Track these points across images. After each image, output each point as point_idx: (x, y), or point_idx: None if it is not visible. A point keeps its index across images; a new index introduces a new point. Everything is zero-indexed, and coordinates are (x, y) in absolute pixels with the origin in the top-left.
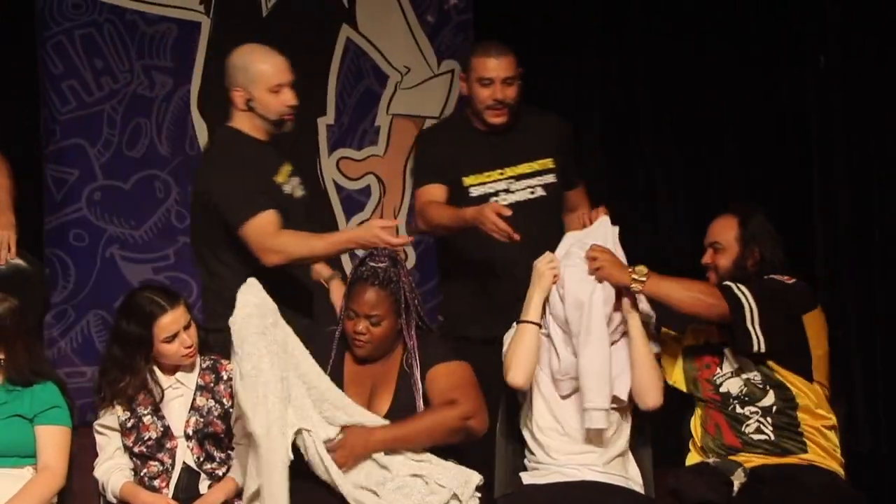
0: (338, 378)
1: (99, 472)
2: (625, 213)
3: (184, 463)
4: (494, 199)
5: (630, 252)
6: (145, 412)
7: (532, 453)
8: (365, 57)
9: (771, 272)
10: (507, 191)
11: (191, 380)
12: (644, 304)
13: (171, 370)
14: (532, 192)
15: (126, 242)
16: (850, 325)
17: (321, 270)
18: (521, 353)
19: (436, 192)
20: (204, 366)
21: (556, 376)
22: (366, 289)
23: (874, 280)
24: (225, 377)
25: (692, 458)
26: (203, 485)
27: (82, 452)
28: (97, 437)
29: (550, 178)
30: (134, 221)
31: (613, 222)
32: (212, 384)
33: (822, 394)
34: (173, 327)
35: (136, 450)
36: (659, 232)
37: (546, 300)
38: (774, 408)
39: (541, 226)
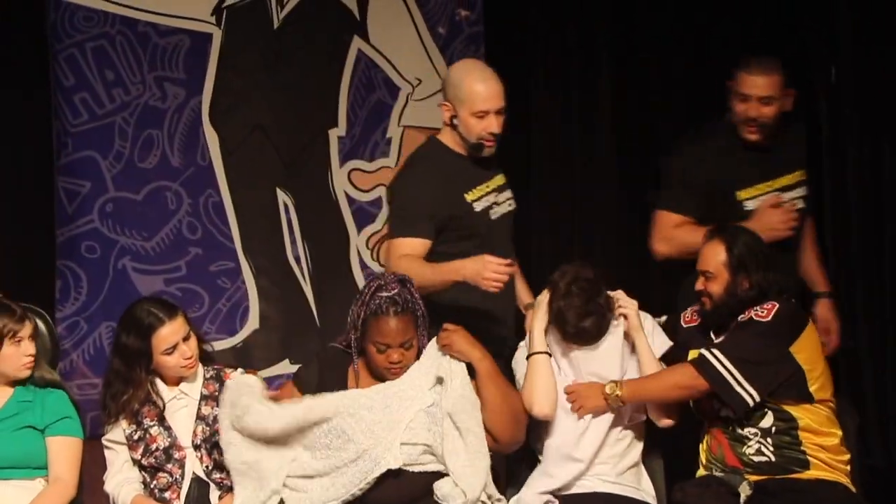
0: None
1: (109, 487)
2: (635, 224)
3: (193, 473)
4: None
5: (645, 263)
6: (151, 424)
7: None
8: (376, 68)
9: (764, 297)
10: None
11: (194, 389)
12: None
13: (174, 381)
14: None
15: (138, 254)
16: (861, 339)
17: (522, 297)
18: (539, 383)
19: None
20: (207, 375)
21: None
22: (388, 320)
23: (886, 293)
24: None
25: (701, 474)
26: (213, 495)
27: (94, 466)
28: (105, 451)
29: (803, 191)
30: (146, 233)
31: (623, 233)
32: (216, 393)
33: (824, 412)
34: (172, 339)
35: (144, 462)
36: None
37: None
38: (774, 429)
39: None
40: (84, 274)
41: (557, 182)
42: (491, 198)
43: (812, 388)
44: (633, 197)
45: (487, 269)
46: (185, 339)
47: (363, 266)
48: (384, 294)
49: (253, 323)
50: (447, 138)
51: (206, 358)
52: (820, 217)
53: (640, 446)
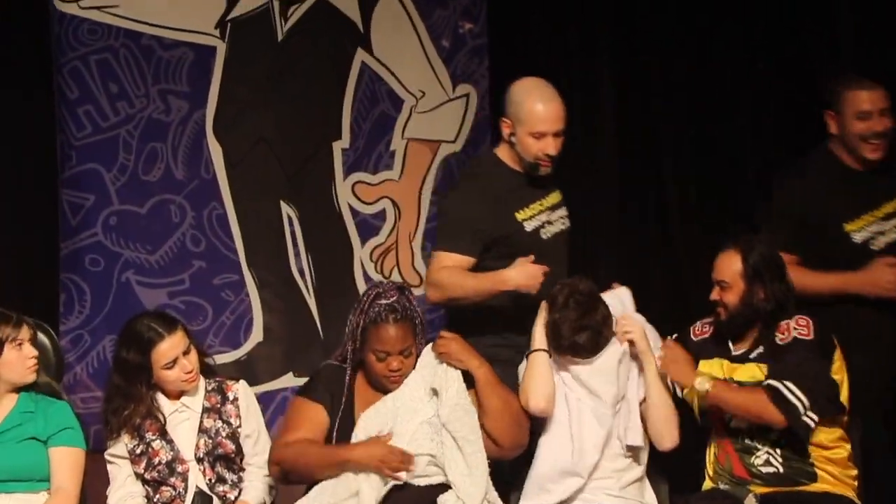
0: (350, 410)
1: (112, 501)
2: (636, 228)
3: (196, 487)
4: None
5: (644, 273)
6: (154, 437)
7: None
8: (380, 81)
9: (780, 308)
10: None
11: (196, 402)
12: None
13: (176, 395)
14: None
15: (142, 267)
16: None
17: None
18: (536, 378)
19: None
20: (209, 388)
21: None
22: (388, 327)
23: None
24: (231, 397)
25: (707, 486)
26: None
27: (97, 480)
28: (108, 466)
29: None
30: (150, 246)
31: (627, 244)
32: (218, 405)
33: (836, 427)
34: (172, 353)
35: (147, 476)
36: (673, 247)
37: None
38: (784, 440)
39: None
40: (88, 287)
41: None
42: (543, 217)
43: (843, 399)
44: (636, 199)
45: (534, 276)
46: (186, 353)
47: (367, 278)
48: (383, 302)
49: (257, 336)
50: (504, 154)
51: (207, 371)
52: None
53: (644, 460)
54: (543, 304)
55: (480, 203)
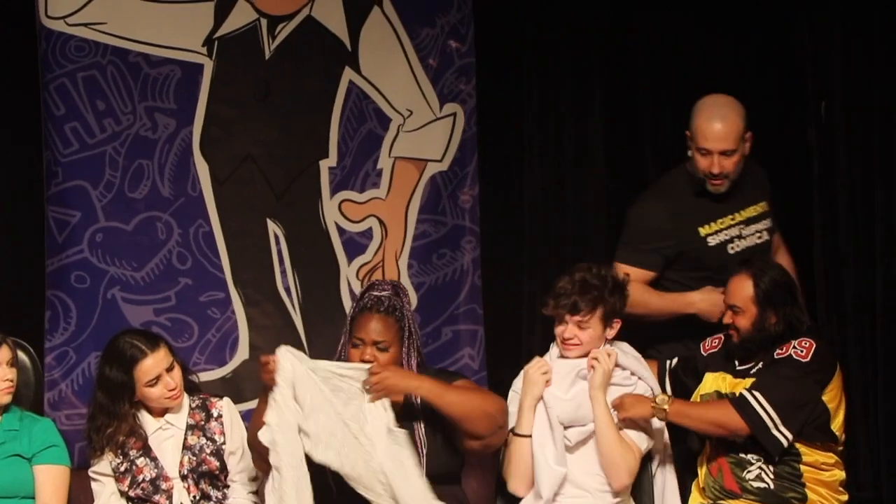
0: None
1: None
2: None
3: None
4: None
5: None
6: (138, 455)
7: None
8: (367, 100)
9: (792, 332)
10: (739, 237)
11: (180, 420)
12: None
13: (160, 412)
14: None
15: (127, 284)
16: (852, 368)
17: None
18: (519, 465)
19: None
20: (193, 405)
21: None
22: (371, 317)
23: (877, 327)
24: (215, 414)
25: (694, 499)
26: None
27: (82, 496)
28: (92, 483)
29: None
30: (136, 263)
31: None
32: (202, 422)
33: (832, 452)
34: (154, 371)
35: (132, 494)
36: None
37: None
38: (778, 457)
39: None
40: (73, 304)
41: (549, 203)
42: (733, 231)
43: (833, 428)
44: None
45: (718, 305)
46: (169, 370)
47: (353, 296)
48: (374, 293)
49: (242, 353)
50: (693, 167)
51: (191, 388)
52: (810, 251)
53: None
54: (535, 380)
55: (663, 220)
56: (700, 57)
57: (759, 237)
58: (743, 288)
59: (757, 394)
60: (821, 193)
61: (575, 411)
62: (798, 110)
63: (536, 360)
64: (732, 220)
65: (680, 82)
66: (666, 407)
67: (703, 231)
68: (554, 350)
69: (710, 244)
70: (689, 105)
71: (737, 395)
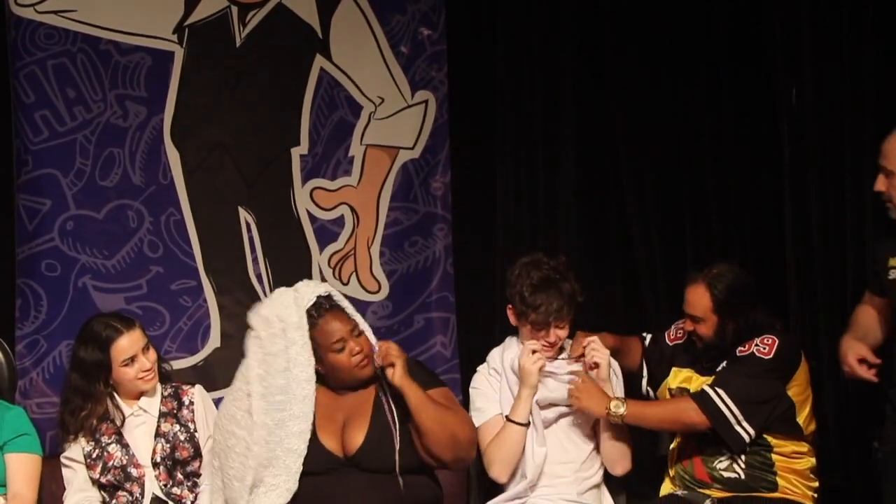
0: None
1: None
2: (602, 255)
3: (153, 494)
4: None
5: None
6: (109, 441)
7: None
8: (339, 87)
9: (753, 334)
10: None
11: (153, 406)
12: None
13: (132, 397)
14: None
15: (98, 272)
16: (823, 358)
17: None
18: (507, 452)
19: None
20: (165, 393)
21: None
22: (328, 319)
23: (847, 314)
24: (187, 402)
25: (665, 487)
26: None
27: (53, 484)
28: (63, 470)
29: None
30: (107, 251)
31: (587, 258)
32: (175, 410)
33: (803, 442)
34: (131, 350)
35: (103, 481)
36: (637, 267)
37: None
38: (748, 447)
39: None
40: (44, 292)
41: (521, 191)
42: None
43: (799, 420)
44: (594, 239)
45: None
46: (145, 350)
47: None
48: (316, 304)
49: (214, 341)
50: None
51: (163, 376)
52: (781, 240)
53: (601, 466)
54: (530, 371)
55: (876, 245)
56: (671, 45)
57: None
58: (700, 297)
59: (719, 390)
60: (791, 182)
61: (550, 393)
62: (769, 97)
63: (528, 351)
64: None
65: (653, 71)
66: (622, 411)
67: (892, 261)
68: (510, 354)
69: (889, 277)
70: (661, 94)
71: (697, 390)
